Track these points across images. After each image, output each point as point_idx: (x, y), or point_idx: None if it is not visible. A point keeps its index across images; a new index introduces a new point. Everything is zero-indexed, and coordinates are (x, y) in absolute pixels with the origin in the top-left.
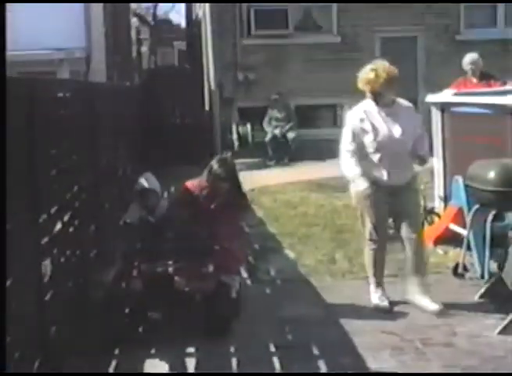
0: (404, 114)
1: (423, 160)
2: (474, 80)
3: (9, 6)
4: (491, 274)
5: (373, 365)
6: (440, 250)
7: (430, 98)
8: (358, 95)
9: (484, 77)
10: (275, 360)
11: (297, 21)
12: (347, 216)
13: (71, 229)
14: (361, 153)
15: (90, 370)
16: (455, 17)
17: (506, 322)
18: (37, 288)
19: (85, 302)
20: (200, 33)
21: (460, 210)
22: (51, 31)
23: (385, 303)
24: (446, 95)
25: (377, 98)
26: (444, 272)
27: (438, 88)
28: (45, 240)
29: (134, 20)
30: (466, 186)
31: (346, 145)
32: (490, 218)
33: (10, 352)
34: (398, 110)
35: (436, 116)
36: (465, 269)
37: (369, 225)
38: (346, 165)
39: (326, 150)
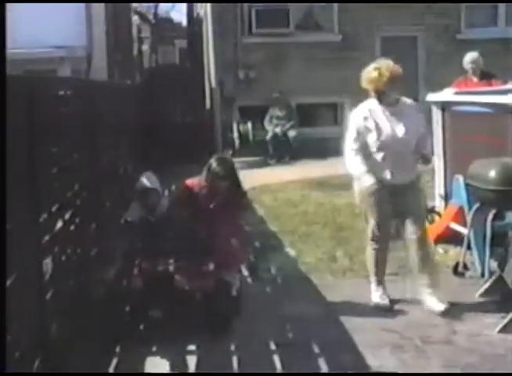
0: (408, 113)
1: (426, 160)
2: (475, 79)
3: (9, 6)
4: (491, 273)
5: (373, 363)
6: (440, 248)
7: (431, 97)
8: (359, 94)
9: (485, 76)
10: (276, 358)
11: (298, 20)
12: (348, 214)
13: (72, 228)
14: (365, 153)
15: (91, 369)
16: (455, 16)
17: (506, 320)
18: (38, 286)
19: (86, 301)
20: (201, 31)
21: (461, 209)
22: (52, 29)
23: (386, 301)
24: (447, 95)
25: (381, 97)
26: (444, 270)
27: (438, 87)
28: (46, 238)
29: (135, 18)
30: (466, 185)
31: (350, 144)
32: (490, 217)
33: (11, 351)
34: (402, 109)
35: (437, 115)
36: (465, 267)
37: (372, 224)
38: (351, 163)
39: (327, 149)
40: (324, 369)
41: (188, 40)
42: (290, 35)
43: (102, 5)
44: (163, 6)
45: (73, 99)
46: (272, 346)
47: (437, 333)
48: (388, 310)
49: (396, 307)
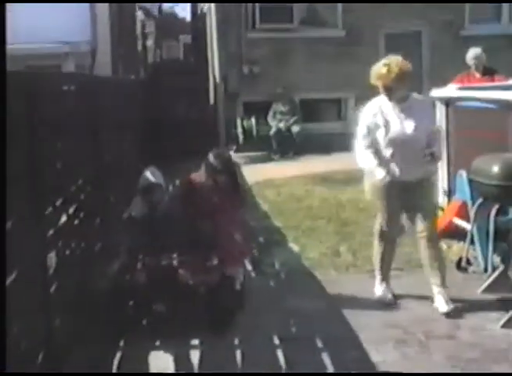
0: (419, 110)
1: (433, 158)
2: (477, 74)
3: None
4: (494, 268)
5: (376, 357)
6: (444, 244)
7: (435, 93)
8: (363, 89)
9: (487, 71)
10: (279, 353)
11: (302, 15)
12: (352, 210)
13: (76, 222)
14: (375, 149)
15: (95, 362)
16: (459, 13)
17: (509, 315)
18: (42, 280)
19: (90, 295)
20: (206, 26)
21: (464, 204)
22: (56, 25)
23: (389, 296)
24: (450, 90)
25: (390, 93)
26: (447, 265)
27: (442, 83)
28: (51, 232)
29: (139, 14)
30: (469, 181)
31: (360, 140)
32: (494, 212)
33: (15, 345)
34: (412, 106)
35: (440, 110)
36: (468, 262)
37: (380, 220)
38: (362, 157)
39: (331, 144)
40: (327, 363)
41: (192, 35)
42: (294, 31)
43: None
44: None
45: (76, 94)
46: (276, 341)
47: (440, 328)
48: (391, 305)
49: (400, 302)
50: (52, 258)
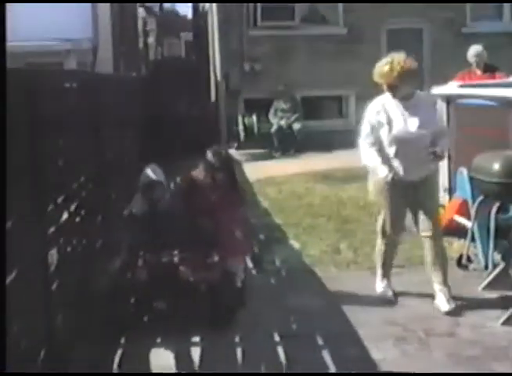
0: (424, 107)
1: (436, 157)
2: (478, 72)
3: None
4: (495, 265)
5: (376, 355)
6: (444, 241)
7: (436, 90)
8: (364, 87)
9: (488, 69)
10: (280, 350)
11: (304, 13)
12: (353, 207)
13: (77, 219)
14: (378, 147)
15: (96, 359)
16: (460, 10)
17: (509, 313)
18: (43, 278)
19: (91, 292)
20: (207, 24)
21: (465, 201)
22: (58, 22)
23: (390, 293)
24: (451, 88)
25: (394, 91)
26: (448, 263)
27: (443, 80)
28: (52, 229)
29: (140, 11)
30: (470, 178)
31: (364, 138)
32: (494, 209)
33: (15, 344)
34: (417, 103)
35: (441, 108)
36: (469, 260)
37: (383, 218)
38: (366, 155)
39: (332, 142)
40: (328, 360)
41: (193, 33)
42: (296, 28)
43: None
44: None
45: (77, 91)
46: (277, 338)
47: (440, 325)
48: (392, 302)
49: (400, 299)
50: (53, 255)
